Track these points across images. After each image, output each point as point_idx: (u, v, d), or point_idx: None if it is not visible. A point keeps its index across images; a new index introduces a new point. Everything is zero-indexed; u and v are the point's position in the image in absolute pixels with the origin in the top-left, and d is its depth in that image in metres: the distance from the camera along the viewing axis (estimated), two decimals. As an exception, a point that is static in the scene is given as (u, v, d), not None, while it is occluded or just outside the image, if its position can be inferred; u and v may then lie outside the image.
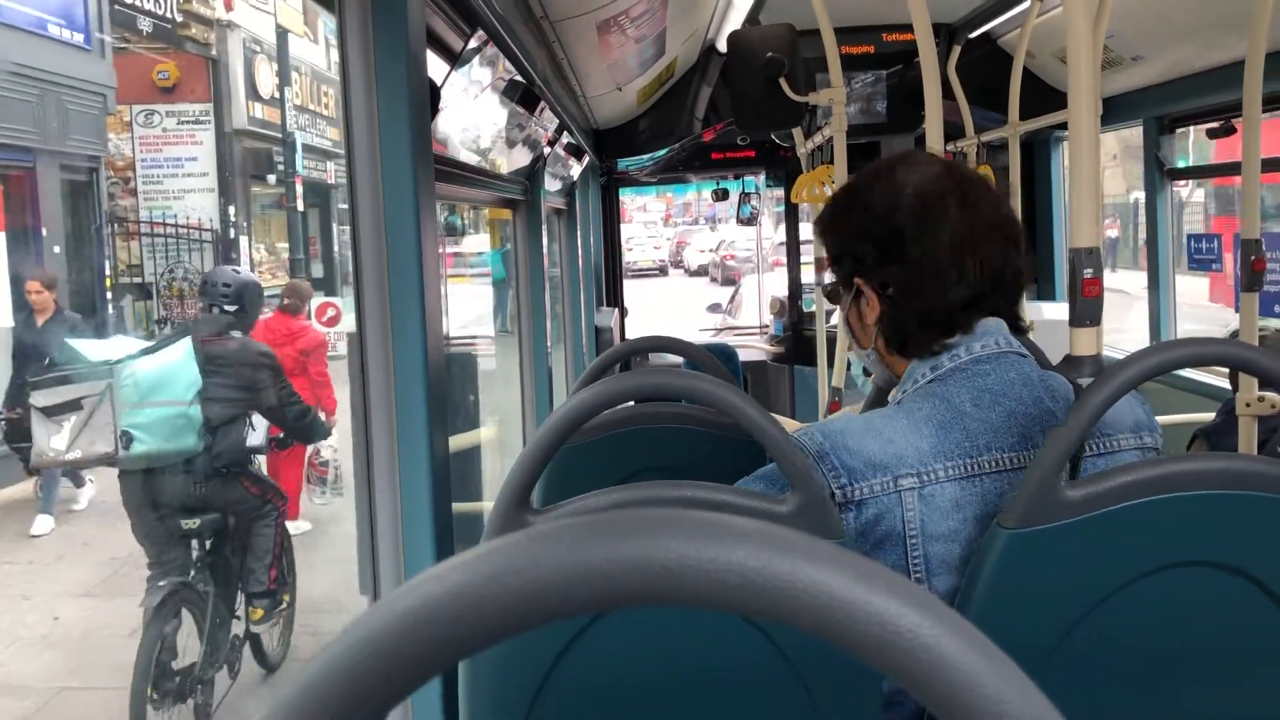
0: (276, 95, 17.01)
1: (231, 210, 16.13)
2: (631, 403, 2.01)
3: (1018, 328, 1.44)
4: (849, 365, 3.78)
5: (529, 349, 4.17)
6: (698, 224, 37.57)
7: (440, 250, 1.87)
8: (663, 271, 32.21)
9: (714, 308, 10.33)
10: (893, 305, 1.41)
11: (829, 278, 1.55)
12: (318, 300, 13.39)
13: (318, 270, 18.29)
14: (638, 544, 0.39)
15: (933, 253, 1.37)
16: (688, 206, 39.88)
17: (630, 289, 8.09)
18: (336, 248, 19.26)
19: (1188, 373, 4.28)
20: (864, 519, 1.31)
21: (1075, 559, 1.25)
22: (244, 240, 16.29)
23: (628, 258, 30.52)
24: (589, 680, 1.25)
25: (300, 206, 16.33)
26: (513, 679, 1.26)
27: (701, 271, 30.26)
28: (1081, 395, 1.24)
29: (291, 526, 7.25)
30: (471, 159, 3.30)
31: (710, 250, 29.97)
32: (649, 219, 39.27)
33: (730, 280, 25.62)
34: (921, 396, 1.37)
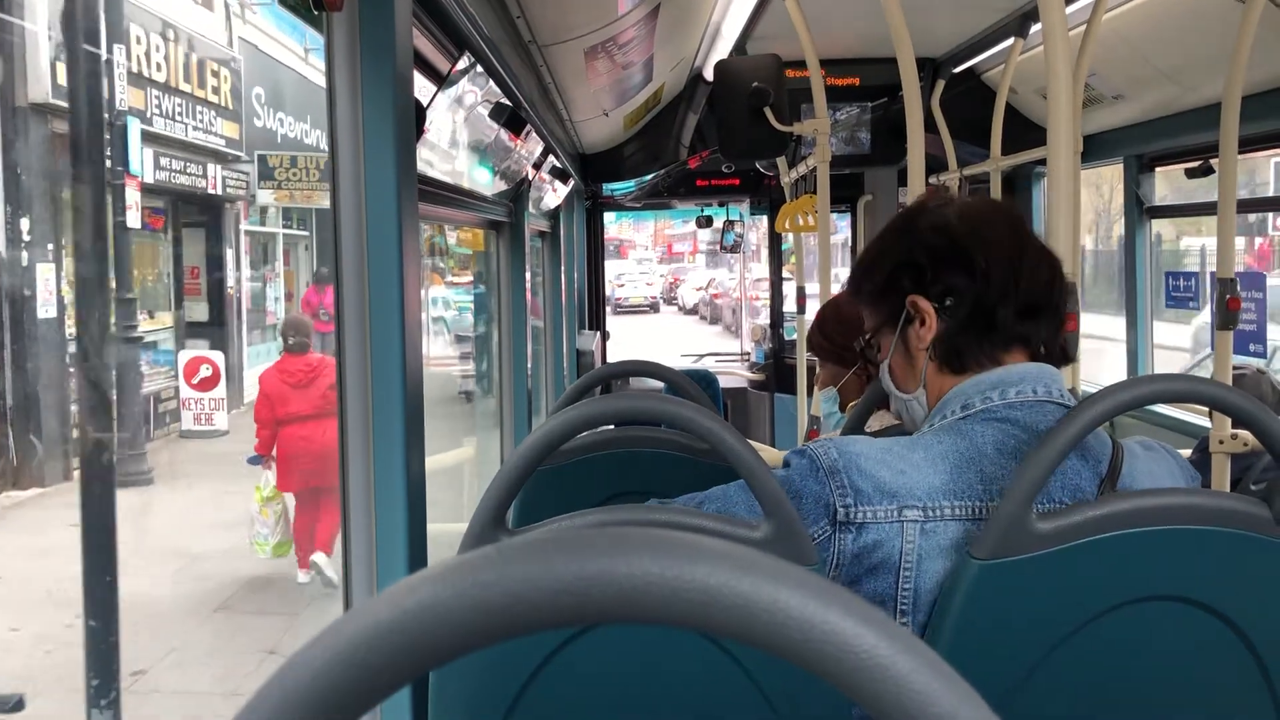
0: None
1: (25, 224, 10.68)
2: (611, 426, 2.01)
3: (1066, 355, 1.44)
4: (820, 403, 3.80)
5: (509, 367, 4.17)
6: (695, 261, 36.80)
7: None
8: (654, 308, 31.67)
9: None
10: (952, 317, 1.39)
11: (868, 320, 1.52)
12: (188, 354, 11.06)
13: (199, 312, 14.30)
14: (602, 560, 0.40)
15: (991, 256, 1.37)
16: (693, 243, 39.28)
17: (616, 326, 8.10)
18: (232, 282, 14.94)
19: (1165, 409, 4.32)
20: (861, 543, 1.30)
21: (1045, 591, 1.26)
22: (44, 269, 10.77)
23: (618, 293, 30.27)
24: (561, 699, 1.25)
25: (135, 221, 11.04)
26: (486, 694, 1.25)
27: (694, 310, 29.80)
28: (1053, 429, 1.25)
29: (303, 575, 7.16)
30: (456, 179, 3.32)
31: (702, 289, 29.52)
32: (644, 256, 38.78)
33: (718, 319, 25.39)
34: (945, 431, 1.36)
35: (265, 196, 15.38)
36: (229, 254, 14.98)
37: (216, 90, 14.28)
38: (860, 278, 1.51)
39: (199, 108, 13.73)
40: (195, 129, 13.65)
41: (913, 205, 1.51)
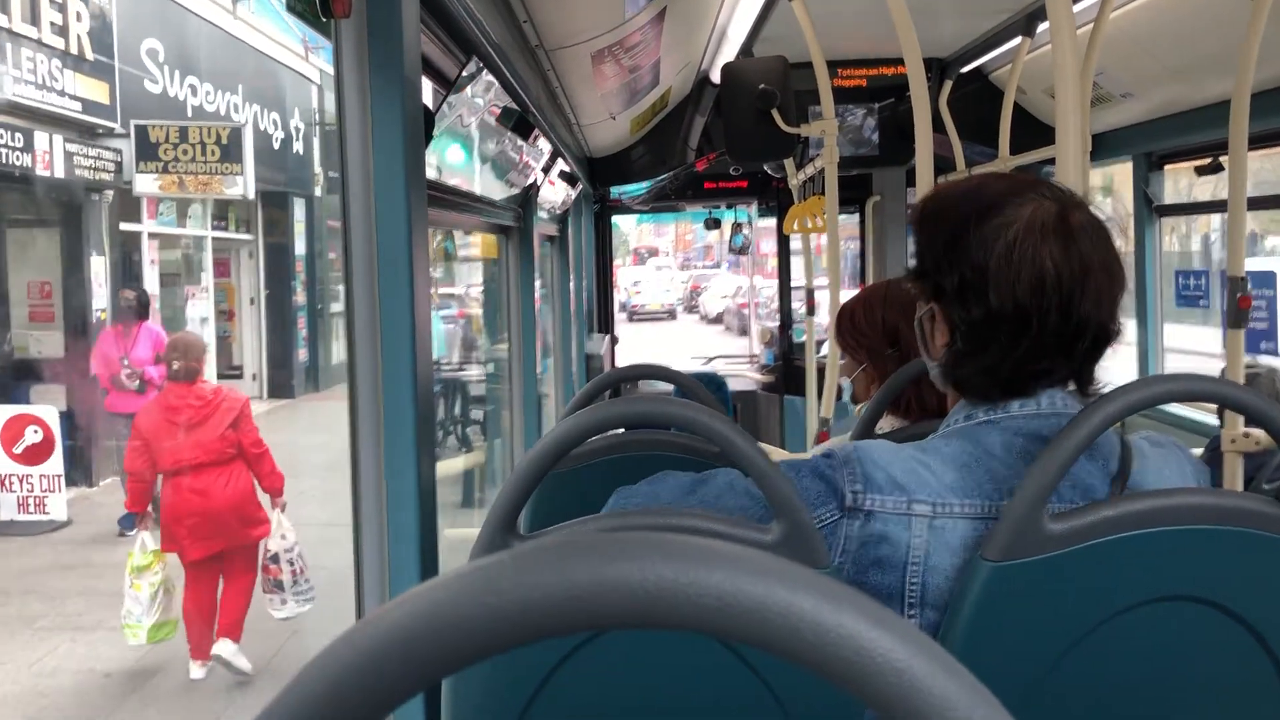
0: None
1: None
2: (621, 430, 2.01)
3: (1084, 388, 1.37)
4: (839, 393, 3.80)
5: (519, 373, 4.18)
6: (718, 267, 34.96)
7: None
8: (671, 315, 30.64)
9: None
10: (961, 345, 1.36)
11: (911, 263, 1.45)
12: (7, 412, 7.57)
13: (50, 346, 10.10)
14: (615, 566, 0.40)
15: (1012, 301, 1.30)
16: (708, 250, 37.88)
17: (630, 333, 7.98)
18: (103, 304, 10.29)
19: (1176, 409, 4.31)
20: (867, 531, 1.30)
21: (1057, 592, 1.26)
22: None
23: (635, 300, 29.67)
24: (575, 705, 1.25)
25: None
26: (499, 700, 1.26)
27: (719, 319, 27.97)
28: (1065, 429, 1.24)
29: (197, 669, 5.72)
30: (464, 184, 3.32)
31: (729, 296, 27.44)
32: (663, 263, 37.62)
33: (745, 330, 24.20)
34: (953, 435, 1.36)
35: (146, 183, 11.24)
36: (95, 263, 10.33)
37: (63, 31, 9.79)
38: (916, 230, 1.44)
39: (26, 52, 9.36)
40: (21, 82, 9.30)
41: (990, 196, 1.37)
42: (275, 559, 5.63)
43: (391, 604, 0.41)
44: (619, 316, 7.54)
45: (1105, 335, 1.34)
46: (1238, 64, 2.76)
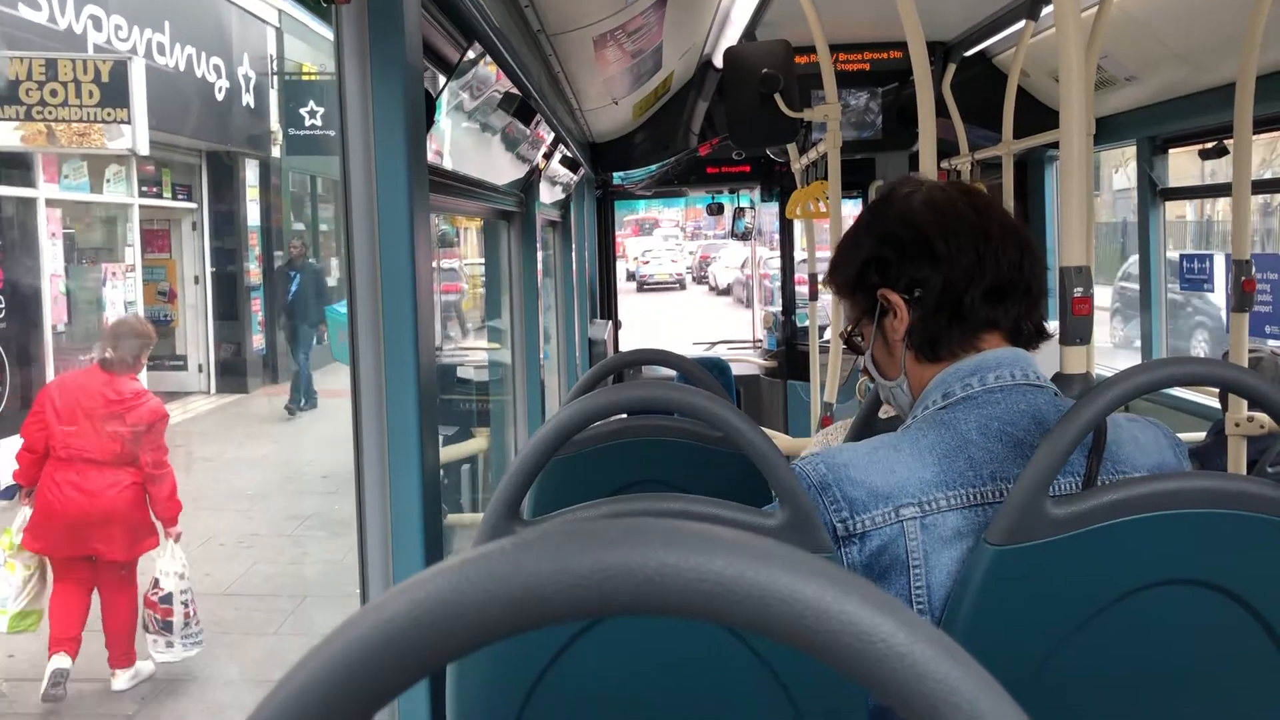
0: None
1: None
2: (624, 415, 2.01)
3: (1042, 332, 1.46)
4: (844, 377, 3.79)
5: (521, 359, 4.18)
6: (728, 238, 34.16)
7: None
8: (681, 286, 30.53)
9: None
10: (922, 307, 1.41)
11: (846, 313, 1.55)
12: None
13: None
14: (616, 552, 0.40)
15: (956, 244, 1.39)
16: (718, 219, 37.15)
17: (641, 303, 7.91)
18: None
19: (1179, 392, 4.30)
20: (868, 551, 1.31)
21: (1061, 576, 1.26)
22: None
23: (643, 270, 29.53)
24: (579, 689, 1.25)
25: None
26: (502, 685, 1.26)
27: (728, 290, 27.27)
28: (1067, 413, 1.24)
29: (123, 679, 5.19)
30: (466, 169, 3.32)
31: (737, 267, 26.69)
32: (670, 232, 37.31)
33: (753, 302, 23.37)
34: (928, 424, 1.37)
35: (3, 133, 8.72)
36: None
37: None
38: (834, 273, 1.54)
39: None
40: None
41: (880, 196, 1.53)
42: (168, 599, 5.09)
43: (393, 591, 0.41)
44: (628, 286, 7.52)
45: (1039, 281, 1.44)
46: (1242, 47, 2.75)
